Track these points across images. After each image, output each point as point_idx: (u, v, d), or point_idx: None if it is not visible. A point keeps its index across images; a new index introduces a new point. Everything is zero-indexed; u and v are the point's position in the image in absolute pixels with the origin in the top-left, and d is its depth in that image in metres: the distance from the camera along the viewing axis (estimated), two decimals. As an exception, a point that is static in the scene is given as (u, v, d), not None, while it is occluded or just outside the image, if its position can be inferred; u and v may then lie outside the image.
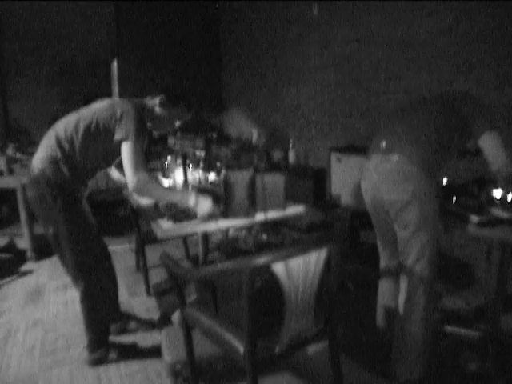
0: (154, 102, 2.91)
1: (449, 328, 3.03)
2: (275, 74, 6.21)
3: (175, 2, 7.56)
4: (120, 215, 4.17)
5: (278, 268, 1.74)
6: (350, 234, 3.84)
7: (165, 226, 2.58)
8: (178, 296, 2.32)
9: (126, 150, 2.55)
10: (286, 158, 5.05)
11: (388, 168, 2.41)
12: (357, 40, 4.64)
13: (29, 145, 6.04)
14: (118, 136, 2.58)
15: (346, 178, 3.98)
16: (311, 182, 4.45)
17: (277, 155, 4.81)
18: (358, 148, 4.19)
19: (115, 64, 7.59)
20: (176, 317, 3.11)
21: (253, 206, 2.68)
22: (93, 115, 2.68)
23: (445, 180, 2.97)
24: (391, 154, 2.41)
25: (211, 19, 7.87)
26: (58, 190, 2.59)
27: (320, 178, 4.51)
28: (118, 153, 2.61)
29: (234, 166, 2.83)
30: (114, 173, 3.35)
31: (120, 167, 2.74)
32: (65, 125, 2.71)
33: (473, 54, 3.51)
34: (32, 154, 4.97)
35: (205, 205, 2.63)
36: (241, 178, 2.56)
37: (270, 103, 6.32)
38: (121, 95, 7.47)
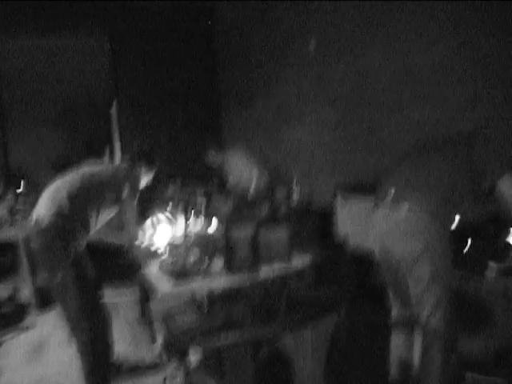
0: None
1: (468, 375, 2.88)
2: (274, 113, 6.18)
3: (172, 44, 7.60)
4: (121, 263, 4.10)
5: (286, 338, 1.66)
6: (359, 276, 3.74)
7: (166, 287, 2.51)
8: (180, 362, 2.24)
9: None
10: (288, 198, 4.98)
11: (398, 218, 2.30)
12: (356, 74, 4.59)
13: (30, 193, 6.00)
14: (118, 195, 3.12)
15: (352, 218, 3.90)
16: (316, 222, 4.37)
17: (280, 195, 4.74)
18: (364, 187, 4.10)
19: (115, 104, 7.61)
20: (159, 342, 3.09)
21: (256, 259, 2.61)
22: (96, 178, 3.13)
23: (457, 219, 2.85)
24: (400, 203, 2.30)
25: (208, 59, 7.92)
26: (68, 239, 2.83)
27: (325, 217, 4.42)
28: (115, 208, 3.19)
29: (235, 220, 2.79)
30: (110, 236, 3.46)
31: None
32: (70, 184, 3.03)
33: (479, 82, 3.41)
34: (33, 202, 4.98)
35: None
36: (243, 234, 2.50)
37: (271, 142, 6.28)
38: (121, 139, 7.48)
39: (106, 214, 3.21)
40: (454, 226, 2.69)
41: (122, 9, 7.17)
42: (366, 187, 4.00)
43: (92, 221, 3.06)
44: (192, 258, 2.78)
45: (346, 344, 2.00)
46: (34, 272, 4.63)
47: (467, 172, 2.31)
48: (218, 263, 2.74)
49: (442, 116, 3.69)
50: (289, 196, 4.93)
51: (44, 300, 4.77)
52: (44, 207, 2.91)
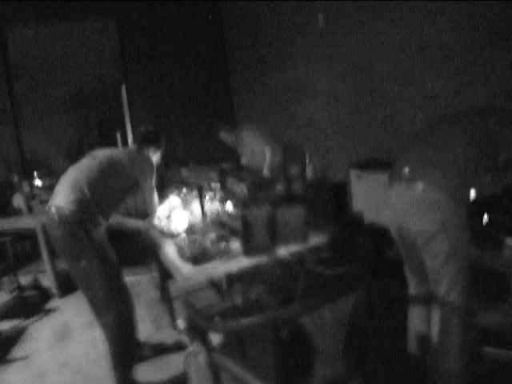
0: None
1: (487, 350, 2.88)
2: (285, 89, 6.13)
3: (179, 24, 7.53)
4: (140, 243, 4.16)
5: (305, 319, 1.67)
6: (375, 252, 3.74)
7: (185, 270, 2.53)
8: (202, 343, 2.27)
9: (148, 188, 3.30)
10: (303, 173, 4.96)
11: (413, 197, 2.28)
12: (367, 47, 4.52)
13: (46, 176, 6.06)
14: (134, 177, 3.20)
15: (368, 194, 3.88)
16: (331, 198, 4.35)
17: (293, 172, 4.73)
18: (378, 162, 4.07)
19: (124, 89, 7.60)
20: (180, 323, 3.12)
21: (273, 241, 2.62)
22: (113, 162, 3.16)
23: (472, 193, 2.82)
24: (415, 182, 2.27)
25: (216, 37, 7.83)
26: (90, 225, 2.84)
27: (340, 193, 4.40)
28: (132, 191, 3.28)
29: (250, 201, 2.79)
30: (128, 220, 3.46)
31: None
32: (88, 169, 3.05)
33: (492, 52, 3.35)
34: (49, 187, 5.02)
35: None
36: (259, 216, 2.50)
37: (283, 119, 6.24)
38: (132, 119, 7.49)
39: (125, 197, 3.27)
40: (470, 201, 2.67)
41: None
42: (380, 162, 3.98)
43: (111, 205, 3.10)
44: (209, 241, 2.79)
45: (364, 321, 2.01)
46: (53, 258, 4.69)
47: (483, 146, 2.27)
48: (236, 245, 2.75)
49: (454, 88, 3.63)
50: (303, 173, 4.92)
51: (65, 285, 4.84)
52: (63, 195, 2.91)
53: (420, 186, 2.25)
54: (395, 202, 2.41)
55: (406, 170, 2.37)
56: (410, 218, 2.31)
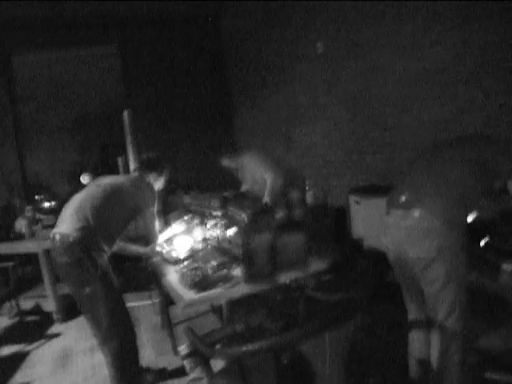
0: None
1: (489, 374, 2.89)
2: (286, 114, 6.22)
3: (180, 49, 7.66)
4: (143, 269, 4.19)
5: (305, 345, 1.70)
6: (375, 276, 3.76)
7: (187, 297, 2.56)
8: (204, 369, 2.29)
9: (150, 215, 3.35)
10: (303, 199, 4.99)
11: (409, 225, 2.34)
12: (365, 74, 4.62)
13: (49, 200, 6.09)
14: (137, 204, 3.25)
15: (367, 220, 3.92)
16: (331, 224, 4.40)
17: (294, 198, 4.76)
18: (377, 188, 4.13)
19: (126, 113, 7.68)
20: (182, 349, 3.11)
21: (274, 267, 2.65)
22: (117, 189, 3.20)
23: (470, 219, 2.87)
24: (412, 210, 2.33)
25: (218, 64, 7.96)
26: (94, 253, 2.89)
27: (340, 218, 4.45)
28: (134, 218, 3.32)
29: (252, 228, 2.83)
30: (131, 247, 3.46)
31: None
32: (92, 197, 3.09)
33: (486, 80, 3.43)
34: (54, 210, 5.05)
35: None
36: (260, 243, 2.54)
37: (283, 145, 6.33)
38: (133, 144, 7.54)
39: (128, 223, 3.30)
40: (468, 223, 2.71)
41: (131, 21, 7.27)
42: (379, 188, 4.04)
43: (115, 232, 3.14)
44: (210, 268, 2.83)
45: (365, 345, 2.04)
46: (55, 283, 4.70)
47: (479, 172, 2.33)
48: (237, 271, 2.79)
49: (452, 115, 3.70)
50: (303, 198, 4.96)
51: (67, 310, 4.84)
52: (69, 222, 2.96)
53: (416, 213, 2.30)
54: (392, 229, 2.46)
55: (403, 197, 2.42)
56: (407, 245, 2.36)
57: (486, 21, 3.36)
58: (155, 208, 3.39)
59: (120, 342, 3.02)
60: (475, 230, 2.69)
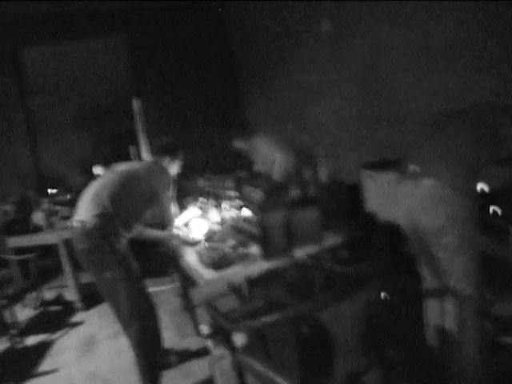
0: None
1: (505, 339, 2.92)
2: (295, 93, 6.21)
3: (188, 36, 7.66)
4: (162, 253, 4.24)
5: (323, 315, 1.74)
6: (390, 248, 3.78)
7: (207, 275, 2.60)
8: (226, 345, 2.33)
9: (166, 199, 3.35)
10: (316, 176, 5.01)
11: (421, 193, 2.36)
12: (372, 51, 4.59)
13: (64, 193, 6.16)
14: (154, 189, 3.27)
15: (380, 193, 3.92)
16: (345, 199, 4.40)
17: (307, 175, 4.78)
18: (389, 161, 4.12)
19: (136, 103, 7.73)
20: (204, 328, 3.17)
21: (290, 243, 2.69)
22: (133, 175, 3.25)
23: (479, 185, 2.87)
24: (423, 179, 2.35)
25: (225, 46, 7.95)
26: (113, 238, 2.94)
27: (353, 193, 4.45)
28: (151, 203, 3.31)
29: (266, 206, 2.86)
30: (149, 231, 3.50)
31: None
32: (109, 184, 3.14)
33: (495, 51, 3.40)
34: (69, 202, 5.11)
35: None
36: (275, 220, 2.58)
37: (294, 123, 6.31)
38: (144, 133, 7.62)
39: (145, 209, 3.32)
40: (479, 190, 2.72)
41: (138, 11, 7.29)
42: (391, 161, 4.03)
43: (133, 217, 3.18)
44: (228, 246, 2.88)
45: (382, 315, 2.07)
46: (76, 272, 4.78)
47: (487, 140, 2.35)
48: (254, 249, 2.83)
49: (461, 86, 3.67)
50: (316, 175, 4.97)
51: (88, 298, 4.94)
52: (87, 209, 3.02)
53: (427, 182, 2.33)
54: (404, 198, 2.49)
55: (414, 167, 2.44)
56: (419, 213, 2.39)
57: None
58: (171, 192, 3.41)
59: (142, 325, 3.08)
60: (486, 197, 2.71)
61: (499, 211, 2.62)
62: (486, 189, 2.81)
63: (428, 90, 3.98)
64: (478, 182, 2.45)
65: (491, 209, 2.63)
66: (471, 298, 2.33)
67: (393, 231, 3.66)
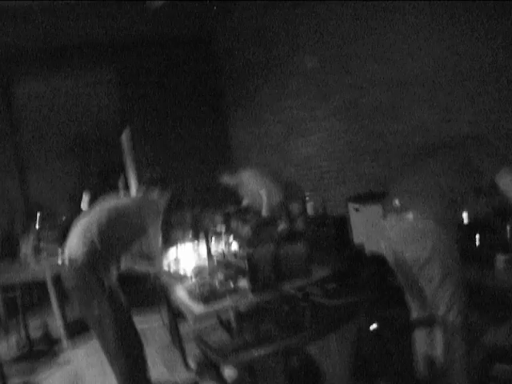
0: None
1: (496, 367, 2.92)
2: (282, 128, 6.31)
3: (177, 72, 7.81)
4: (148, 287, 4.23)
5: (312, 348, 1.76)
6: (378, 280, 3.81)
7: (196, 310, 2.62)
8: (216, 379, 2.34)
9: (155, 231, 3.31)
10: (303, 211, 5.07)
11: (404, 227, 2.44)
12: (356, 86, 4.72)
13: (49, 227, 6.11)
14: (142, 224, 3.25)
15: (367, 226, 3.98)
16: (333, 232, 4.46)
17: (294, 209, 4.85)
18: (375, 194, 4.19)
19: (125, 134, 7.79)
20: (192, 362, 3.16)
21: (278, 277, 2.72)
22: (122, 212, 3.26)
23: (465, 216, 2.95)
24: (406, 213, 2.43)
25: (214, 82, 8.08)
26: (102, 275, 2.97)
27: (340, 226, 4.50)
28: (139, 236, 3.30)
29: (255, 241, 2.91)
30: (139, 266, 3.54)
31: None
32: (97, 221, 3.15)
33: (471, 85, 3.52)
34: (56, 239, 5.09)
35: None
36: (264, 255, 2.62)
37: (281, 158, 6.40)
38: (133, 165, 7.67)
39: (134, 242, 3.35)
40: (462, 221, 2.80)
41: (126, 46, 7.42)
42: (376, 194, 4.11)
43: (121, 252, 3.24)
44: (217, 281, 2.90)
45: (370, 346, 2.10)
46: (64, 308, 4.74)
47: (466, 172, 2.43)
48: (243, 283, 2.85)
49: (440, 118, 3.80)
50: (303, 210, 5.03)
51: (76, 335, 4.88)
52: (75, 246, 3.05)
53: (410, 216, 2.41)
54: (389, 232, 2.56)
55: (397, 202, 2.53)
56: (404, 246, 2.46)
57: (469, 29, 3.47)
58: (159, 225, 3.42)
59: (129, 361, 3.08)
60: (469, 227, 2.78)
61: (481, 240, 2.69)
62: (466, 220, 2.90)
63: (410, 122, 4.10)
64: (460, 212, 2.52)
65: (477, 237, 2.70)
66: (459, 328, 2.37)
67: (379, 263, 3.71)
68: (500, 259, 2.45)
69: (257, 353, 1.97)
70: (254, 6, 6.39)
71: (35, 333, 5.23)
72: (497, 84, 3.37)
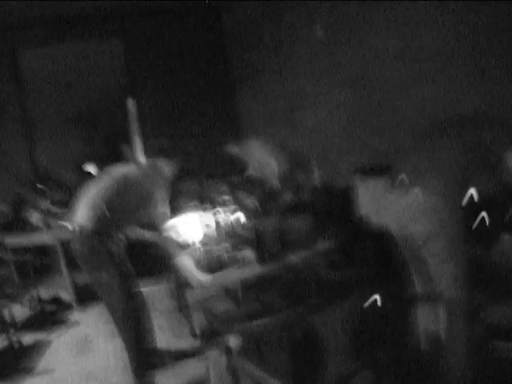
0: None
1: (497, 344, 2.97)
2: (289, 98, 6.25)
3: (183, 38, 7.72)
4: (157, 254, 4.28)
5: (315, 320, 1.80)
6: (382, 253, 3.84)
7: (202, 279, 2.67)
8: (221, 347, 2.40)
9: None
10: (309, 181, 5.07)
11: (410, 202, 2.44)
12: (365, 58, 4.65)
13: (59, 192, 6.17)
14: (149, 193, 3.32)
15: (371, 199, 3.98)
16: (338, 203, 4.47)
17: (300, 180, 4.85)
18: (381, 167, 4.18)
19: (130, 103, 7.76)
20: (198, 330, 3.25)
21: (284, 248, 2.76)
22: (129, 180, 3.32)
23: (470, 193, 2.94)
24: (412, 187, 2.43)
25: (220, 50, 7.99)
26: (109, 242, 3.07)
27: (346, 198, 4.51)
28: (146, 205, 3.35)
29: (260, 213, 2.94)
30: (144, 233, 3.60)
31: None
32: (105, 189, 3.22)
33: (488, 60, 3.45)
34: (64, 203, 5.15)
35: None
36: (269, 225, 2.65)
37: (288, 128, 6.37)
38: (138, 133, 7.67)
39: (140, 211, 3.40)
40: (466, 201, 2.80)
41: (133, 14, 7.34)
42: (383, 167, 4.10)
43: (128, 220, 3.32)
44: (223, 250, 2.94)
45: (373, 318, 2.14)
46: (73, 272, 4.83)
47: (475, 150, 2.42)
48: (249, 253, 2.88)
49: (449, 93, 3.75)
50: (309, 179, 5.04)
51: (84, 298, 5.01)
52: (83, 214, 3.11)
53: (416, 190, 2.41)
54: (394, 206, 2.57)
55: (404, 176, 2.52)
56: (408, 221, 2.46)
57: (486, 3, 3.40)
58: (165, 193, 3.48)
59: (135, 327, 3.19)
60: (475, 204, 2.79)
61: (487, 218, 2.70)
62: (475, 196, 2.90)
63: (418, 99, 4.05)
64: (466, 189, 2.53)
65: (482, 215, 2.70)
66: (461, 302, 2.41)
67: (384, 237, 3.74)
68: (506, 238, 2.46)
69: (260, 323, 2.02)
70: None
71: (46, 294, 5.36)
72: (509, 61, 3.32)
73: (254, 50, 7.06)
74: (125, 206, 3.23)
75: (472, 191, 2.70)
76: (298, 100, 6.04)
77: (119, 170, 3.44)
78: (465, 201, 2.54)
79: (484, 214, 2.73)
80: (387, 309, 3.62)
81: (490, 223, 2.66)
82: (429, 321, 2.79)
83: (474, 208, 2.74)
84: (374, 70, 4.55)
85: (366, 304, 2.10)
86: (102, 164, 6.24)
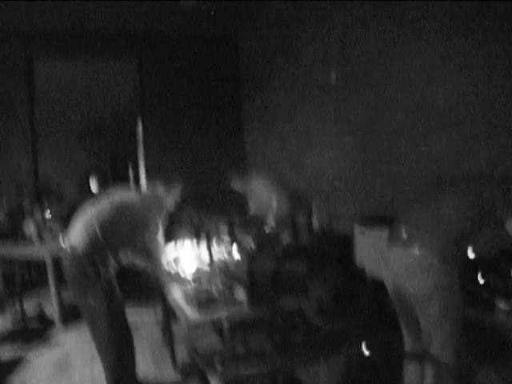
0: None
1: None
2: (297, 140, 6.31)
3: (198, 70, 7.81)
4: (146, 283, 4.23)
5: (302, 371, 1.76)
6: (376, 305, 3.81)
7: (190, 314, 2.63)
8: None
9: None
10: (309, 224, 5.06)
11: (409, 261, 2.43)
12: (375, 107, 4.69)
13: (58, 205, 6.15)
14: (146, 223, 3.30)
15: (370, 250, 3.97)
16: (336, 250, 4.46)
17: (300, 223, 4.84)
18: (382, 219, 4.17)
19: (140, 124, 7.82)
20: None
21: (277, 292, 2.72)
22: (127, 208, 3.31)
23: (470, 252, 2.92)
24: (412, 247, 2.42)
25: (233, 84, 8.09)
26: (100, 266, 3.02)
27: (344, 246, 4.50)
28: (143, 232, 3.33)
29: (257, 252, 2.92)
30: (139, 262, 3.60)
31: None
32: (102, 214, 3.21)
33: (494, 117, 3.47)
34: (62, 218, 5.12)
35: None
36: (264, 268, 2.63)
37: (293, 168, 6.40)
38: (145, 154, 7.70)
39: (136, 239, 3.40)
40: (466, 260, 2.78)
41: (150, 37, 7.45)
42: (384, 219, 4.10)
43: (122, 246, 3.31)
44: (215, 287, 2.90)
45: (360, 372, 2.10)
46: (60, 289, 4.78)
47: (479, 208, 2.41)
48: (241, 293, 2.84)
49: (456, 151, 3.76)
50: (309, 223, 5.03)
51: (69, 316, 4.92)
52: (78, 236, 3.11)
53: (416, 251, 2.39)
54: (393, 264, 2.55)
55: (404, 234, 2.52)
56: (406, 280, 2.45)
57: (492, 62, 3.44)
58: (161, 223, 3.45)
59: (117, 353, 3.13)
60: (472, 267, 2.77)
61: (483, 281, 2.68)
62: (473, 257, 2.88)
63: (426, 152, 4.06)
64: (466, 251, 2.51)
65: (479, 278, 2.68)
66: (452, 367, 2.36)
67: (379, 289, 3.70)
68: (501, 302, 2.44)
69: (245, 369, 1.97)
70: (284, 12, 6.41)
71: (31, 308, 5.28)
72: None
73: (267, 86, 7.15)
74: (120, 232, 3.23)
75: (469, 250, 2.70)
76: (306, 141, 6.08)
77: (118, 195, 3.46)
78: (463, 262, 2.52)
79: (480, 277, 2.71)
80: (375, 362, 3.56)
81: (485, 287, 2.64)
82: (417, 379, 2.75)
83: (471, 270, 2.72)
84: (383, 120, 4.59)
85: (358, 358, 2.05)
86: (104, 181, 6.26)
